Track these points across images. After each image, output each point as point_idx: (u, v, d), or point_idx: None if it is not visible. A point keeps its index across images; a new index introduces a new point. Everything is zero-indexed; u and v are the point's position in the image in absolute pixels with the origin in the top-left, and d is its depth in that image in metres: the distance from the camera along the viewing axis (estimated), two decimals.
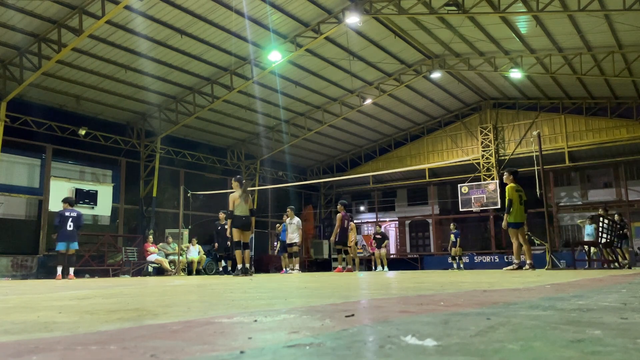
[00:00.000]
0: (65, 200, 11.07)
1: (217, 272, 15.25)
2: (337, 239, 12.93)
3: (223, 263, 15.24)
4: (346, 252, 13.13)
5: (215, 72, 16.22)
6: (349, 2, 14.37)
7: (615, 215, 13.02)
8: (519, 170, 9.82)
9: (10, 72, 13.08)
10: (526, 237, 9.34)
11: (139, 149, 18.04)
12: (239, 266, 9.72)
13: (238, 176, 10.22)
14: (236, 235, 9.75)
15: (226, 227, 11.63)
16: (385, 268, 16.58)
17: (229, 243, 14.27)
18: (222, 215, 14.79)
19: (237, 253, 9.86)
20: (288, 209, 14.24)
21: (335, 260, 22.65)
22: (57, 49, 12.24)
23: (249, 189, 10.24)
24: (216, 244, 15.04)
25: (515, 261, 9.17)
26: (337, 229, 12.86)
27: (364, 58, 17.30)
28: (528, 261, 9.07)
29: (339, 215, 12.88)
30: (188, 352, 1.04)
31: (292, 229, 13.94)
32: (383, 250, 16.99)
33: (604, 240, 11.06)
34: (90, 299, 3.00)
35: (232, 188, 10.42)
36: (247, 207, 9.72)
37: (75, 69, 14.20)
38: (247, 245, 9.87)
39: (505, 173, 9.59)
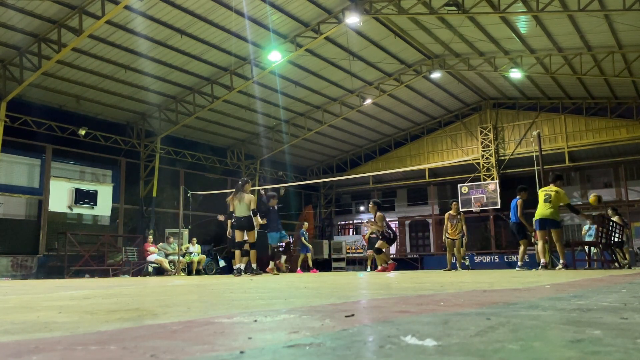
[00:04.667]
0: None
1: (217, 272, 15.23)
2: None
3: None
4: (378, 252, 12.05)
5: (215, 72, 16.22)
6: (349, 2, 14.36)
7: (615, 216, 12.99)
8: (517, 170, 9.93)
9: (10, 72, 13.07)
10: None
11: (139, 149, 18.03)
12: (253, 265, 9.90)
13: (243, 178, 10.45)
14: (237, 235, 9.95)
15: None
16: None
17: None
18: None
19: (236, 253, 9.98)
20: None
21: (335, 260, 22.77)
22: (57, 49, 12.24)
23: (250, 189, 10.31)
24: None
25: (562, 261, 9.32)
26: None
27: (364, 58, 17.28)
28: (562, 261, 9.33)
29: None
30: (188, 352, 1.04)
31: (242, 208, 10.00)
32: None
33: (607, 241, 11.03)
34: (90, 299, 3.00)
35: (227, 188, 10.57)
36: (243, 207, 9.82)
37: (75, 69, 14.19)
38: (252, 246, 9.93)
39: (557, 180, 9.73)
